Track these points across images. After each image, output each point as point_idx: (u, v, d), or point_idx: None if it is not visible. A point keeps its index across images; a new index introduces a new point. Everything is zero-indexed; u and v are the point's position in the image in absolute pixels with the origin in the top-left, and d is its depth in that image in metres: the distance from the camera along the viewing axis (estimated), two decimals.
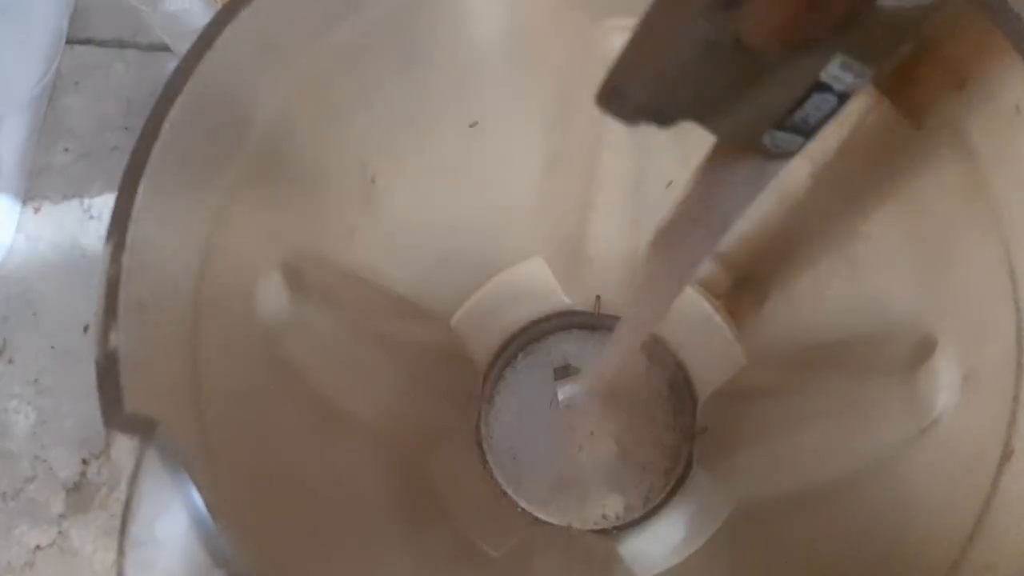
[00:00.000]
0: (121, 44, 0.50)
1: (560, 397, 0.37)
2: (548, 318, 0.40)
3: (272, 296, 0.28)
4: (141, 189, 0.24)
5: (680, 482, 0.35)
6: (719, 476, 0.34)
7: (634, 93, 0.22)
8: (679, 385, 0.37)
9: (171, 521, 0.22)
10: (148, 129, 0.25)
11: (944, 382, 0.26)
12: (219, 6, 0.27)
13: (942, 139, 0.25)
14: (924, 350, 0.27)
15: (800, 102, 0.20)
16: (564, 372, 0.38)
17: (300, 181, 0.30)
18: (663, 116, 0.21)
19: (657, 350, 0.37)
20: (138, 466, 0.22)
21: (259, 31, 0.27)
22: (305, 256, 0.30)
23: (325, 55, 0.29)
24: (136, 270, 0.23)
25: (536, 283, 0.38)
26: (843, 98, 0.21)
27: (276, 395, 0.28)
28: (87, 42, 0.50)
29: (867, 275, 0.29)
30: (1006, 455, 0.22)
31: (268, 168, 0.29)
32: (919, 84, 0.25)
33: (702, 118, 0.21)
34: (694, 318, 0.36)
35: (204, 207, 0.27)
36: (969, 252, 0.26)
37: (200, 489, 0.22)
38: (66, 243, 0.47)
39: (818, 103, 0.20)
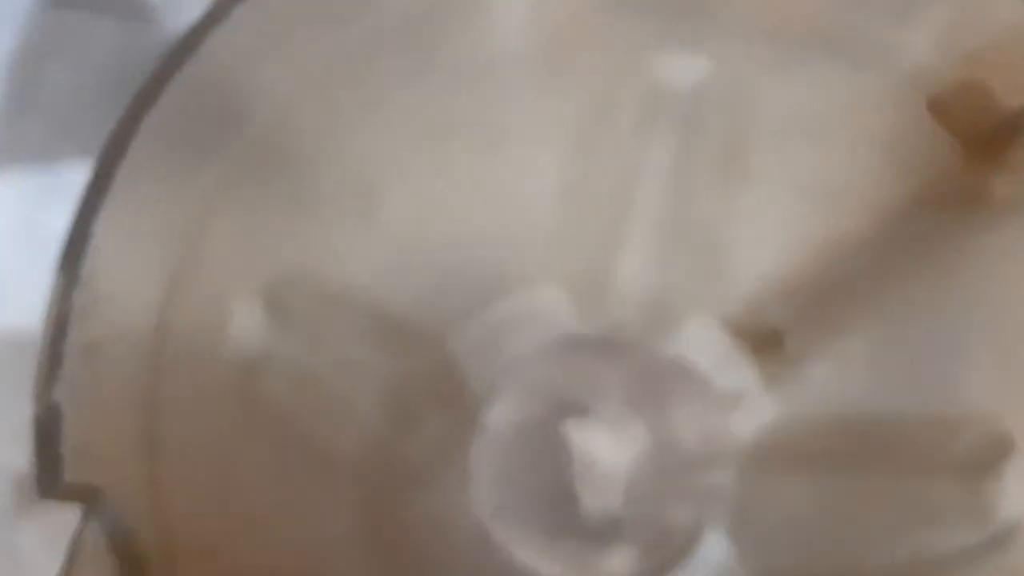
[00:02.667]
0: (102, 10, 0.46)
1: (567, 437, 0.34)
2: None
3: (250, 326, 0.25)
4: (107, 204, 0.21)
5: (695, 543, 0.32)
6: (739, 544, 0.31)
7: None
8: (699, 435, 0.34)
9: None
10: (131, 113, 0.22)
11: (1016, 491, 0.23)
12: None
13: None
14: (997, 451, 0.24)
15: None
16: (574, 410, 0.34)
17: (293, 187, 0.27)
18: None
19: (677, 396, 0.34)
20: (76, 541, 0.19)
21: (274, 13, 0.24)
22: (290, 276, 0.27)
23: (338, 50, 0.26)
24: (91, 305, 0.20)
25: (548, 311, 0.34)
26: None
27: (248, 442, 0.25)
28: (67, 6, 0.46)
29: (933, 353, 0.26)
30: None
31: (260, 169, 0.26)
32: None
33: None
34: (720, 366, 0.32)
35: (179, 217, 0.23)
36: None
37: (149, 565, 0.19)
38: (30, 217, 0.44)
39: None
